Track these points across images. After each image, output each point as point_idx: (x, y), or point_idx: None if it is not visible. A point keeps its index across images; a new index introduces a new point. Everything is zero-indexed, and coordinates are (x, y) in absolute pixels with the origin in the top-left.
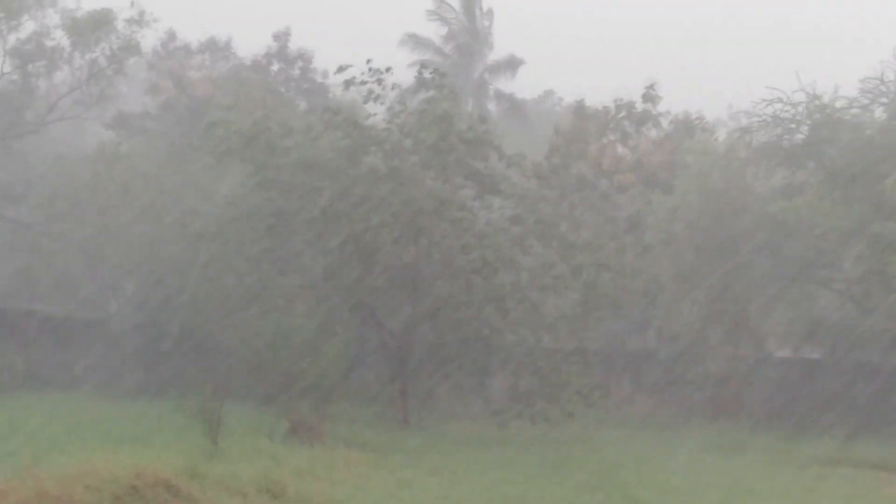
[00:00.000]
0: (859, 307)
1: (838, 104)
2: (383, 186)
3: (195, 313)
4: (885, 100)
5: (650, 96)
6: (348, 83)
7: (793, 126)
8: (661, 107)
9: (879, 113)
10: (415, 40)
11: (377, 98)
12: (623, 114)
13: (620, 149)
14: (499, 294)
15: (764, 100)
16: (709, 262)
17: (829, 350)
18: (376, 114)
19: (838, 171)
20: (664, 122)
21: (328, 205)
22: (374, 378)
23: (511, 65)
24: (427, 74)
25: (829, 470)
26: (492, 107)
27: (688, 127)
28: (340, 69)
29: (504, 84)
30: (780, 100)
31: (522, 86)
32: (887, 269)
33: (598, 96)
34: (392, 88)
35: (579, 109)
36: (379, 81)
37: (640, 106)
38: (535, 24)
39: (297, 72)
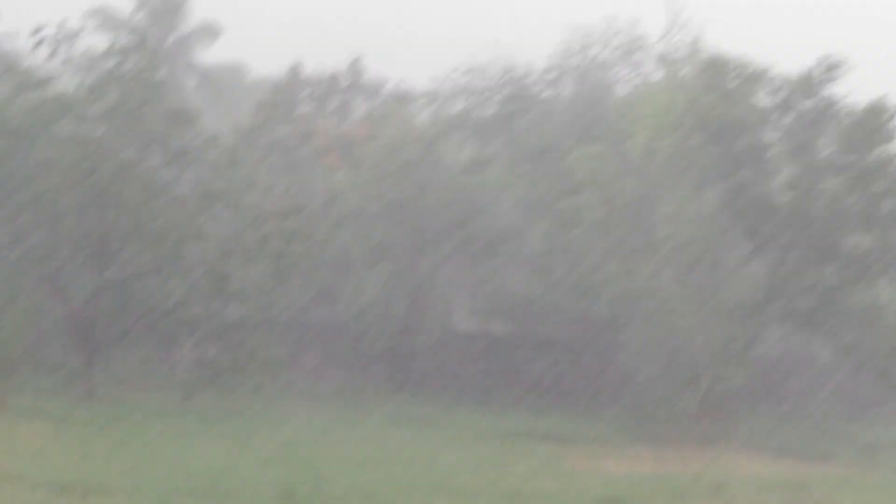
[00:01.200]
0: (544, 282)
1: (530, 78)
2: (68, 151)
3: None
4: (570, 77)
5: (356, 69)
6: (38, 43)
7: (484, 98)
8: (380, 79)
9: (567, 88)
10: (103, 14)
11: (68, 62)
12: (330, 86)
13: (325, 122)
14: (186, 264)
15: (458, 70)
16: (398, 236)
17: (515, 325)
18: (63, 75)
19: (526, 145)
20: (373, 95)
21: (13, 169)
22: (60, 348)
23: (208, 34)
24: (122, 40)
25: (514, 443)
26: (186, 77)
27: (398, 100)
28: (36, 31)
29: (200, 54)
30: (474, 70)
31: (216, 57)
32: (571, 245)
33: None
34: (83, 53)
35: (293, 72)
36: (70, 46)
37: (345, 79)
38: None
39: None
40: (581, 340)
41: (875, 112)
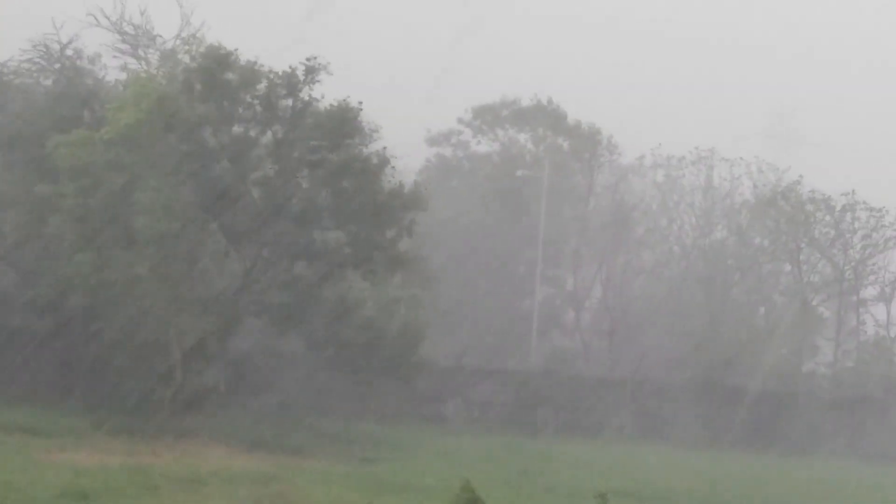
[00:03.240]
0: (16, 271)
1: (7, 68)
2: None
3: None
4: (56, 66)
5: None
6: None
7: None
8: None
9: (47, 80)
10: None
11: None
12: None
13: None
14: None
15: None
16: None
17: None
18: None
19: (3, 135)
20: None
21: None
22: None
23: None
24: None
25: None
26: None
27: None
28: None
29: None
30: None
31: None
32: (46, 232)
33: None
34: None
35: None
36: None
37: None
38: None
39: None
40: (54, 331)
41: (342, 111)
